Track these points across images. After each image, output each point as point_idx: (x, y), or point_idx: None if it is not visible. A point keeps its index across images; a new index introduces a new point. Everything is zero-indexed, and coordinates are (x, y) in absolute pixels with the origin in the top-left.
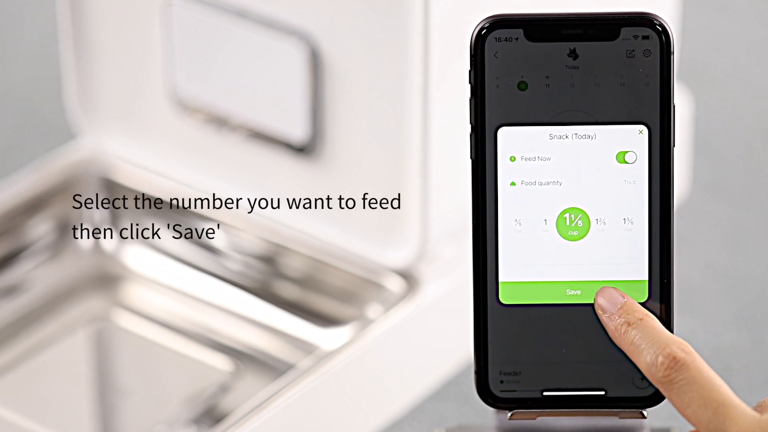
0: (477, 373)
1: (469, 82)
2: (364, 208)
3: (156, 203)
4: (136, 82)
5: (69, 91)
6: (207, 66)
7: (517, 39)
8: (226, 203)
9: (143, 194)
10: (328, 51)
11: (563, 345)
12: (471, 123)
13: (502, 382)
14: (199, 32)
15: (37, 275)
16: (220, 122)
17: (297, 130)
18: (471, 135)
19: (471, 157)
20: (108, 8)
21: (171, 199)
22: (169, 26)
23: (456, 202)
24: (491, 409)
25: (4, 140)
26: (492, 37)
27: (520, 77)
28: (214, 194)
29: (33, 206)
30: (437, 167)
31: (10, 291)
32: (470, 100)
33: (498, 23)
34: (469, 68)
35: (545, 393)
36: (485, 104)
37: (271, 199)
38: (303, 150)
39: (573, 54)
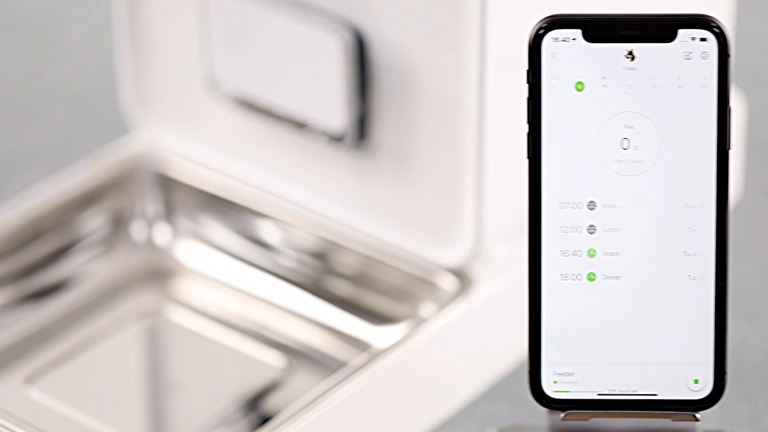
0: (531, 373)
1: (527, 82)
2: (418, 206)
3: (209, 198)
4: (191, 78)
5: (124, 86)
6: (259, 61)
7: (574, 39)
8: (279, 199)
9: (197, 189)
10: (378, 42)
11: (617, 347)
12: (528, 122)
13: (555, 382)
14: (247, 25)
15: (91, 269)
16: (270, 116)
17: (345, 124)
18: (528, 135)
19: (527, 157)
20: (164, 2)
21: (224, 195)
22: (208, 18)
23: (511, 202)
24: (543, 410)
25: (59, 134)
26: (550, 37)
27: (578, 78)
28: (267, 190)
29: (87, 200)
30: (492, 166)
31: (64, 284)
32: (527, 99)
33: (556, 23)
34: (526, 68)
35: (599, 394)
36: (542, 104)
37: (325, 196)
38: (358, 147)
39: (630, 55)
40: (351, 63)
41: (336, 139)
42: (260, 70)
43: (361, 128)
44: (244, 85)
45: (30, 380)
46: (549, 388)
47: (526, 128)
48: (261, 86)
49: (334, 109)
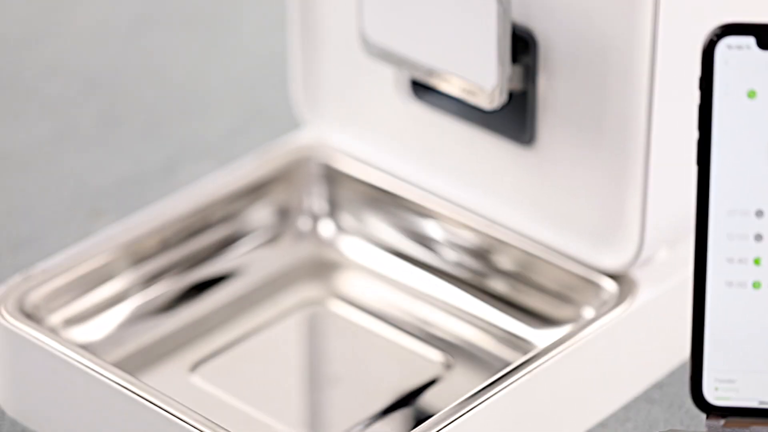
0: (692, 379)
1: (699, 89)
2: (583, 208)
3: (374, 194)
4: (361, 75)
5: (295, 81)
6: (413, 23)
7: (748, 47)
8: (442, 197)
9: (363, 185)
10: (545, 41)
11: None
12: (698, 129)
13: (717, 389)
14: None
15: (256, 260)
16: (446, 108)
17: (495, 86)
18: (698, 141)
19: (696, 163)
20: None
21: (389, 191)
22: None
23: (672, 207)
24: (701, 416)
25: (230, 126)
26: (723, 45)
27: (750, 86)
28: (431, 187)
29: (255, 192)
30: (659, 171)
31: (230, 274)
32: (698, 106)
33: (730, 30)
34: (699, 75)
35: (760, 402)
36: (713, 111)
37: (489, 194)
38: (526, 144)
39: None
40: (504, 23)
41: (523, 143)
42: (414, 31)
43: (517, 104)
44: (397, 49)
45: (194, 367)
46: (710, 395)
47: (696, 134)
48: (414, 48)
49: (485, 71)
